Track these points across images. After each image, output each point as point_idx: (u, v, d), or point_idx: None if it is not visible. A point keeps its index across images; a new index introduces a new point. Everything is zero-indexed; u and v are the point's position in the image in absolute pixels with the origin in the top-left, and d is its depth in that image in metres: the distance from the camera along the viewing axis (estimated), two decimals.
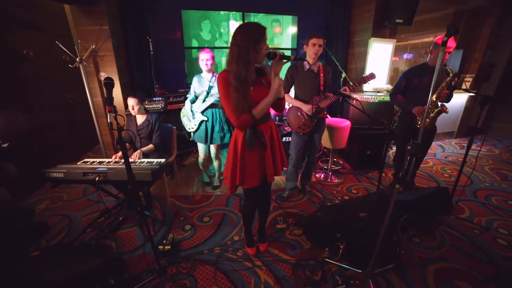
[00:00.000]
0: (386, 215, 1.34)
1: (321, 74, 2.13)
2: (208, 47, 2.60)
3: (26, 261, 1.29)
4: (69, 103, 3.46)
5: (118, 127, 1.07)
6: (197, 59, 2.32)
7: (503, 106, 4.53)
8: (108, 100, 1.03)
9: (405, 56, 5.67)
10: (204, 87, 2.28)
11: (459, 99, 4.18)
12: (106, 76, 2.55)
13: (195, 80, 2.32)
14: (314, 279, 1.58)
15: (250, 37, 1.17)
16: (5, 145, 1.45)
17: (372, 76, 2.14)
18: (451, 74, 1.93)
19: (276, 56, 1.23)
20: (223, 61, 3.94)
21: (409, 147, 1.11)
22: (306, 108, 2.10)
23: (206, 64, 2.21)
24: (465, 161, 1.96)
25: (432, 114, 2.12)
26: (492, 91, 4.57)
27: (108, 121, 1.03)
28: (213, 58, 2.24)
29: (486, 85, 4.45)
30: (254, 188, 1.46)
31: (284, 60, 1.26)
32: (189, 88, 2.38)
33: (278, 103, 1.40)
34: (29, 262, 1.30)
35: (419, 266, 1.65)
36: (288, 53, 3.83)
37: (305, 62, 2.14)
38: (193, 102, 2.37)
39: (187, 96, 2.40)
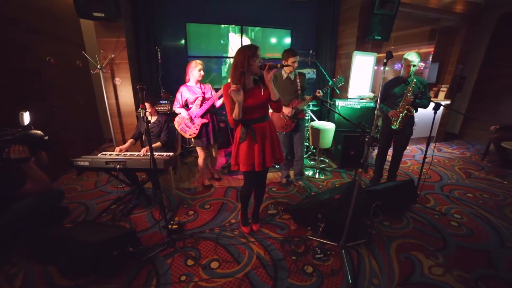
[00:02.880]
0: (357, 197, 1.68)
1: (297, 80, 2.53)
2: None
3: (65, 229, 1.59)
4: (80, 105, 3.78)
5: (146, 120, 1.42)
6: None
7: (476, 113, 5.00)
8: (142, 100, 1.38)
9: (395, 66, 6.24)
10: (197, 94, 2.48)
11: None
12: (120, 81, 2.91)
13: (184, 90, 2.46)
14: (297, 251, 1.91)
15: (245, 54, 1.56)
16: (46, 137, 1.76)
17: (340, 80, 2.58)
18: (411, 84, 2.33)
19: (265, 66, 1.60)
20: (223, 69, 4.33)
21: (366, 139, 1.47)
22: (286, 110, 2.50)
23: (202, 75, 2.43)
24: (425, 157, 2.34)
25: (401, 115, 2.48)
26: (466, 100, 5.06)
27: (141, 115, 1.37)
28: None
29: (460, 95, 4.94)
30: (248, 172, 1.83)
31: (273, 69, 1.62)
32: None
33: (274, 105, 1.75)
34: (67, 230, 1.60)
35: (385, 242, 2.00)
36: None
37: (283, 72, 2.55)
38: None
39: (175, 107, 2.51)
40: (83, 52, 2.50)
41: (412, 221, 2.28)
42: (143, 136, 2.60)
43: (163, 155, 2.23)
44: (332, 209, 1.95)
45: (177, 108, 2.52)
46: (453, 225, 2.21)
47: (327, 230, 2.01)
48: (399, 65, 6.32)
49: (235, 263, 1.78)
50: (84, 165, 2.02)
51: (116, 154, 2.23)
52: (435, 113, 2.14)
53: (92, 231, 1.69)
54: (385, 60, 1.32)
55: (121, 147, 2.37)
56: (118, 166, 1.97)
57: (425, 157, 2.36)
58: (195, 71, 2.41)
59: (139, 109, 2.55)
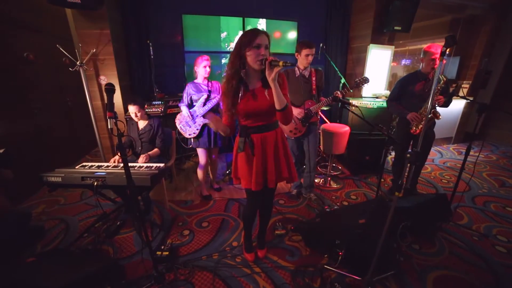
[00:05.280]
0: (385, 221, 1.34)
1: (313, 78, 2.17)
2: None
3: (21, 267, 1.27)
4: (68, 106, 3.46)
5: (118, 133, 1.07)
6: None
7: (500, 112, 4.57)
8: (109, 106, 1.03)
9: (403, 61, 5.76)
10: (202, 91, 2.29)
11: (456, 106, 4.22)
12: (106, 79, 2.57)
13: (190, 87, 2.29)
14: (313, 286, 1.56)
15: (239, 43, 1.23)
16: (1, 151, 1.43)
17: (365, 80, 2.16)
18: (442, 81, 1.97)
19: (266, 60, 1.17)
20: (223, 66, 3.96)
21: (408, 155, 1.11)
22: (296, 112, 2.13)
23: (208, 71, 2.23)
24: (463, 167, 1.97)
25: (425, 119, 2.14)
26: (489, 97, 4.62)
27: (109, 127, 1.02)
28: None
29: (483, 92, 4.50)
30: (251, 190, 1.46)
31: (275, 66, 1.15)
32: None
33: (280, 114, 1.30)
34: (24, 268, 1.28)
35: (418, 274, 1.65)
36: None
37: (296, 68, 2.18)
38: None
39: (180, 104, 2.37)
40: (57, 45, 2.15)
41: (447, 244, 1.92)
42: (137, 143, 2.27)
43: (151, 167, 1.89)
44: (355, 236, 1.60)
45: (181, 106, 2.37)
46: (501, 251, 1.84)
47: (347, 259, 1.66)
48: (409, 60, 5.89)
49: None
50: (56, 181, 1.68)
51: (97, 166, 1.90)
52: (479, 115, 1.76)
53: (60, 267, 1.36)
54: (443, 48, 0.95)
55: (114, 158, 2.06)
56: (95, 183, 1.63)
57: (463, 167, 1.99)
58: (200, 67, 2.23)
59: (127, 111, 2.26)
